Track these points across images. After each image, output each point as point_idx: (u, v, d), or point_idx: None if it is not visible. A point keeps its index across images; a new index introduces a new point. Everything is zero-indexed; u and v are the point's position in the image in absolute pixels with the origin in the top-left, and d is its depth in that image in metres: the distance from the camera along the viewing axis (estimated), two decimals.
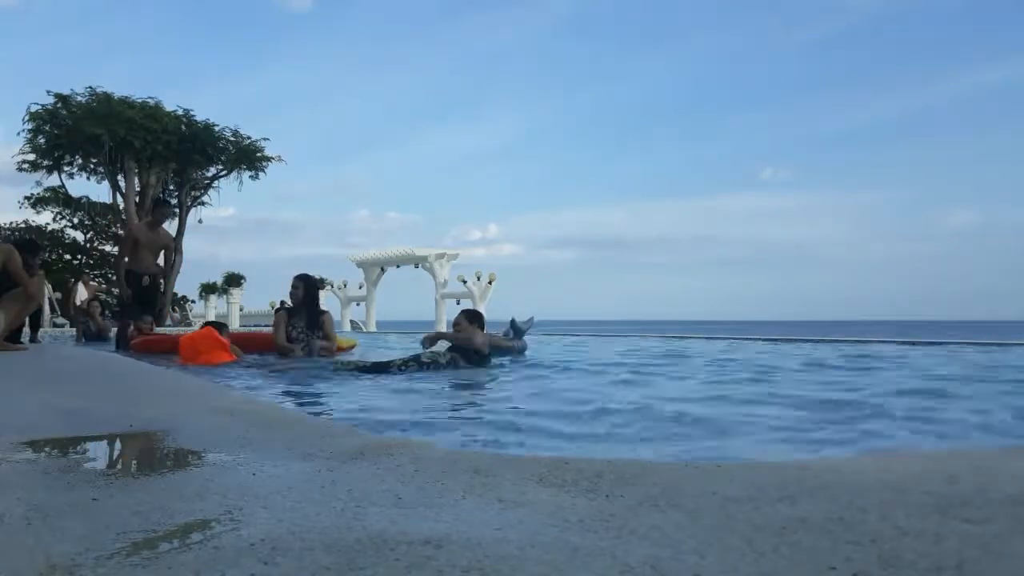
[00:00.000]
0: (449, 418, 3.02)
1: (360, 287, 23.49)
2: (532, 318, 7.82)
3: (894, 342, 9.00)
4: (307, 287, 6.93)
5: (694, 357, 7.14)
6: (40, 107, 21.59)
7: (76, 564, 0.87)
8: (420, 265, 21.38)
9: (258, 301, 25.07)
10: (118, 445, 1.88)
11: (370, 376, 4.95)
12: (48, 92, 21.52)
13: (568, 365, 5.93)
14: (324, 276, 21.84)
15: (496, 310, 19.09)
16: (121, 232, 24.50)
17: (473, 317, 6.34)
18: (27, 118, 21.68)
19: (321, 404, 3.61)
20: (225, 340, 6.34)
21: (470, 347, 5.75)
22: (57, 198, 26.18)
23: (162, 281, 8.13)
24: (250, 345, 7.41)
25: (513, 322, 7.48)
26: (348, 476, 1.34)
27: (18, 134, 22.11)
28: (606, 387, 4.31)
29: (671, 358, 7.01)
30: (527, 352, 7.40)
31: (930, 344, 8.68)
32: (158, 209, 8.11)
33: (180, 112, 22.53)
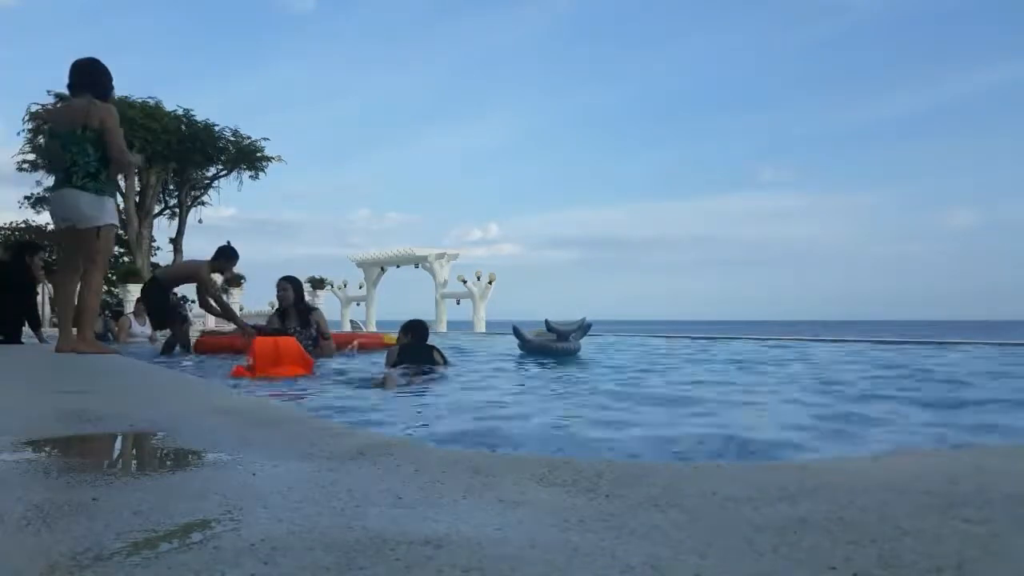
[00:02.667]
0: (450, 418, 3.02)
1: (360, 287, 23.50)
2: (584, 319, 7.41)
3: (902, 342, 9.01)
4: (295, 287, 7.03)
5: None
6: (40, 107, 21.58)
7: (76, 564, 0.87)
8: (420, 265, 21.38)
9: (258, 301, 25.10)
10: (118, 445, 1.88)
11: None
12: (48, 92, 21.53)
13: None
14: (324, 276, 21.83)
15: (497, 310, 19.10)
16: (121, 232, 24.51)
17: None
18: (27, 118, 21.69)
19: (321, 404, 3.61)
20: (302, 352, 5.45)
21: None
22: None
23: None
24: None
25: (547, 324, 7.34)
26: (348, 476, 1.34)
27: (18, 134, 22.14)
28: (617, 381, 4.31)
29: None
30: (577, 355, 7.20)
31: (936, 344, 8.68)
32: (228, 262, 8.00)
33: (180, 112, 22.54)
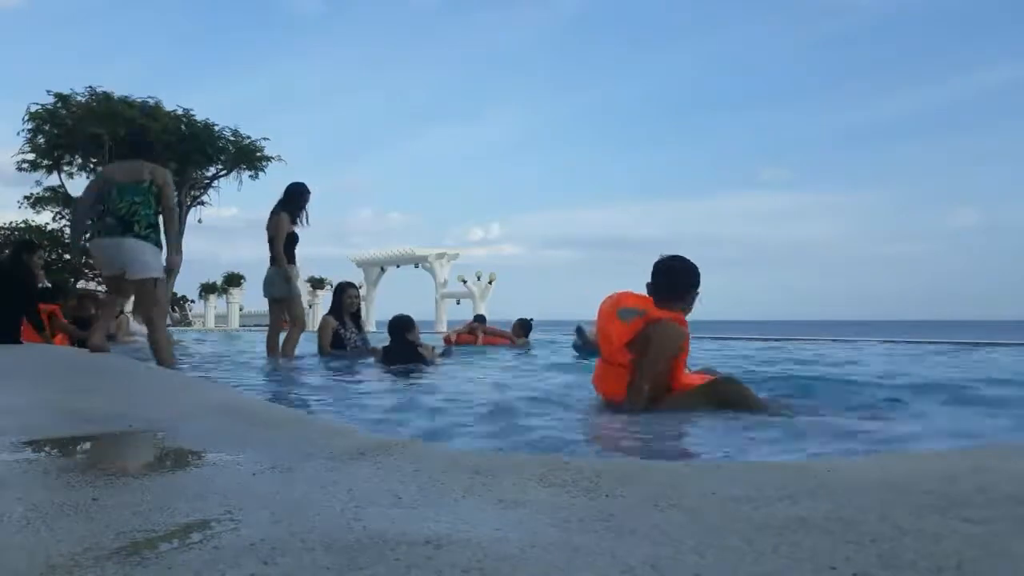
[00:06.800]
0: (450, 418, 3.02)
1: (360, 287, 23.51)
2: None
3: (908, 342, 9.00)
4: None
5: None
6: (40, 107, 21.60)
7: (76, 564, 0.87)
8: (420, 265, 21.38)
9: (258, 301, 25.13)
10: (118, 445, 1.88)
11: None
12: (48, 92, 21.52)
13: None
14: (324, 276, 21.84)
15: (496, 310, 19.10)
16: None
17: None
18: (27, 118, 21.67)
19: (322, 403, 3.62)
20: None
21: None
22: (57, 198, 26.16)
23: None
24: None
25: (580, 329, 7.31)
26: (348, 476, 1.34)
27: (18, 134, 22.12)
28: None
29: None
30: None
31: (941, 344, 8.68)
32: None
33: (180, 112, 22.53)
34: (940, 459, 1.57)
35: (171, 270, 5.44)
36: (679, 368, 3.13)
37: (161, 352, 5.32)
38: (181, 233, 5.41)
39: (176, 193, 5.46)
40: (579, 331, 7.36)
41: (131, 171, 5.35)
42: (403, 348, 5.64)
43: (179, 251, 5.43)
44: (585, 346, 7.19)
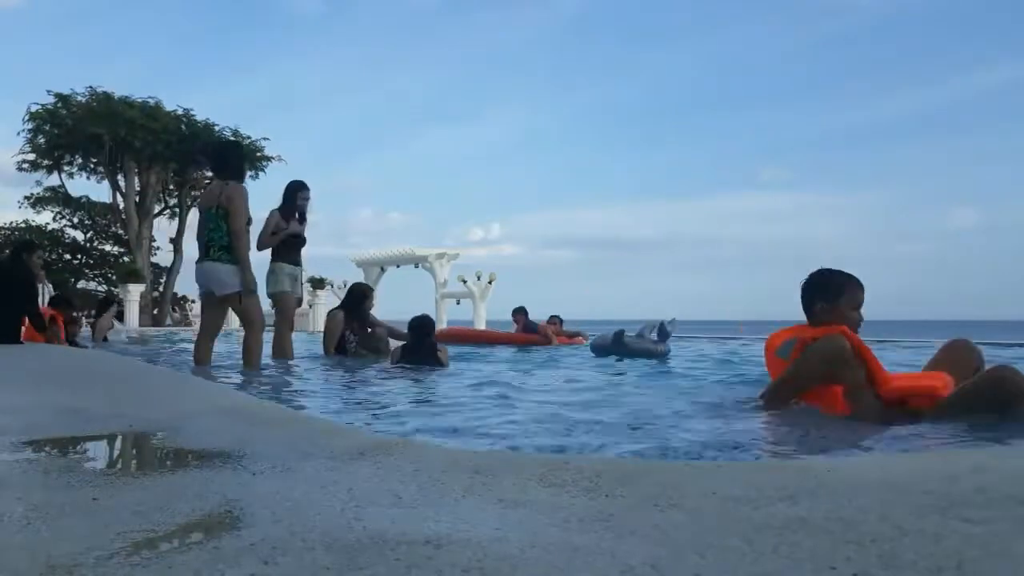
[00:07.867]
0: (450, 418, 3.02)
1: None
2: (675, 319, 7.38)
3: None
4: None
5: None
6: (40, 107, 21.62)
7: (76, 564, 0.87)
8: (420, 265, 21.36)
9: (262, 301, 25.15)
10: (118, 445, 1.88)
11: None
12: (48, 92, 21.55)
13: None
14: (324, 276, 21.84)
15: (497, 310, 19.08)
16: (121, 232, 24.60)
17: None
18: (27, 118, 21.71)
19: (322, 403, 3.62)
20: None
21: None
22: (57, 198, 26.18)
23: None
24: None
25: (662, 325, 7.15)
26: (348, 476, 1.34)
27: (18, 134, 22.14)
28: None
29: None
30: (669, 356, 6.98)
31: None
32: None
33: (180, 112, 22.56)
34: (940, 459, 1.57)
35: (248, 290, 5.50)
36: (876, 373, 2.85)
37: (249, 356, 5.55)
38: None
39: (245, 212, 5.43)
40: (618, 335, 7.16)
41: (207, 197, 5.67)
42: (423, 349, 5.65)
43: (248, 271, 5.43)
44: (614, 347, 7.05)
